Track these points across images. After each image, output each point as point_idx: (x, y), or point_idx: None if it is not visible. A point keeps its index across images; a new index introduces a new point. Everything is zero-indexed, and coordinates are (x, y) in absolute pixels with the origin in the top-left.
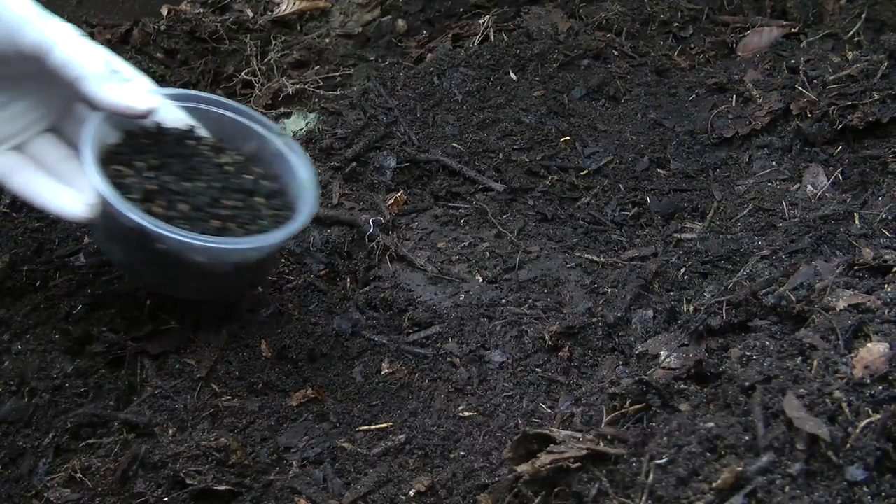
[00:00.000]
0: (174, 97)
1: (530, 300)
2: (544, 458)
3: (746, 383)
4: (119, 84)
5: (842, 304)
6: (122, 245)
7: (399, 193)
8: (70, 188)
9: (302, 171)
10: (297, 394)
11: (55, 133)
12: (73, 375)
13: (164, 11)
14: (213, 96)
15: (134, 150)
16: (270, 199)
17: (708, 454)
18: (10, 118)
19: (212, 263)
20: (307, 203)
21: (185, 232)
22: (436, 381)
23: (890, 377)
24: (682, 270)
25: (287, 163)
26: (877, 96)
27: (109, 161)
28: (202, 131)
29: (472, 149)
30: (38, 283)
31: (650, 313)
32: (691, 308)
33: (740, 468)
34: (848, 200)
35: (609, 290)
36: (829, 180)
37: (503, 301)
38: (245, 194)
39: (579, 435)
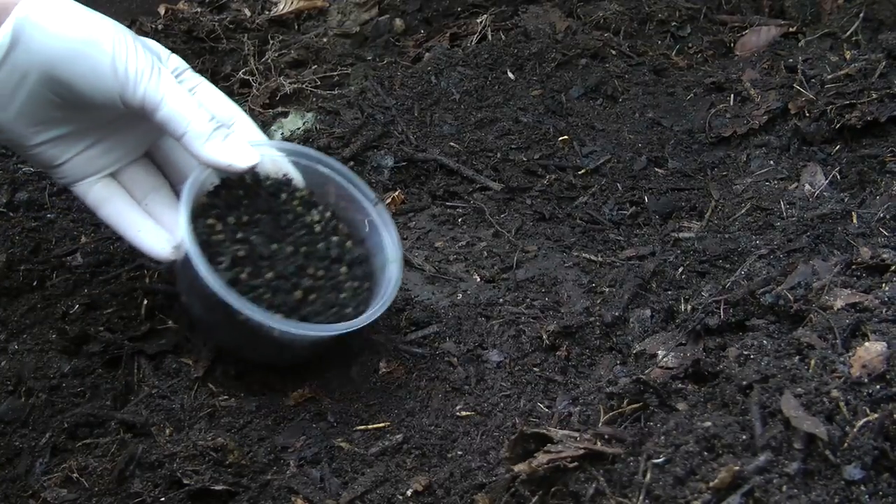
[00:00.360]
0: (285, 150)
1: (528, 299)
2: (541, 458)
3: (744, 382)
4: (221, 143)
5: (839, 303)
6: (202, 302)
7: (396, 193)
8: (158, 226)
9: (390, 247)
10: (294, 393)
11: (148, 157)
12: (70, 375)
13: (162, 11)
14: (313, 152)
15: (228, 202)
16: (353, 267)
17: (705, 453)
18: (106, 151)
19: (291, 340)
20: (391, 284)
21: (268, 315)
22: (433, 380)
23: (888, 376)
24: (680, 270)
25: (376, 232)
26: (875, 95)
27: (203, 213)
28: (296, 178)
29: (469, 148)
30: (35, 283)
31: (648, 312)
32: (689, 307)
33: (737, 467)
34: (846, 199)
35: (607, 290)
36: (826, 179)
37: (501, 300)
38: (329, 261)
39: (576, 434)
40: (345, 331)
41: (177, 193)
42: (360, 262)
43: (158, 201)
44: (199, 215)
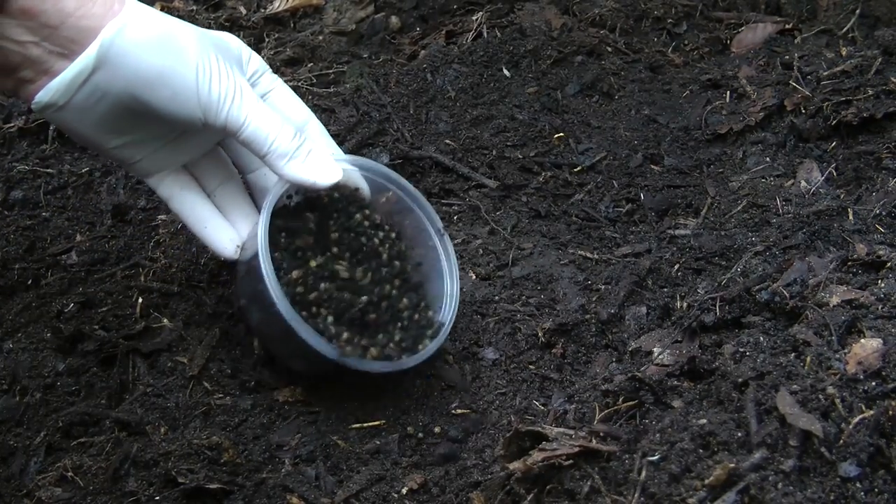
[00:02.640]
0: (359, 166)
1: (523, 297)
2: (536, 456)
3: (739, 380)
4: (304, 161)
5: (835, 300)
6: (262, 314)
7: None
8: (224, 223)
9: (450, 282)
10: (285, 390)
11: (221, 148)
12: (65, 374)
13: (157, 9)
14: (387, 170)
15: (302, 217)
16: (412, 294)
17: (701, 451)
18: (179, 148)
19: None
20: (445, 323)
21: (328, 346)
22: (429, 378)
23: (883, 373)
24: (676, 267)
25: (437, 261)
26: (871, 92)
27: (277, 225)
28: (366, 193)
29: (465, 145)
30: (29, 282)
31: (643, 310)
32: (685, 304)
33: (733, 465)
34: (842, 196)
35: (602, 287)
36: (822, 176)
37: (496, 298)
38: (391, 288)
39: (572, 432)
40: (399, 369)
41: (247, 184)
42: (417, 289)
43: (227, 193)
44: (272, 224)
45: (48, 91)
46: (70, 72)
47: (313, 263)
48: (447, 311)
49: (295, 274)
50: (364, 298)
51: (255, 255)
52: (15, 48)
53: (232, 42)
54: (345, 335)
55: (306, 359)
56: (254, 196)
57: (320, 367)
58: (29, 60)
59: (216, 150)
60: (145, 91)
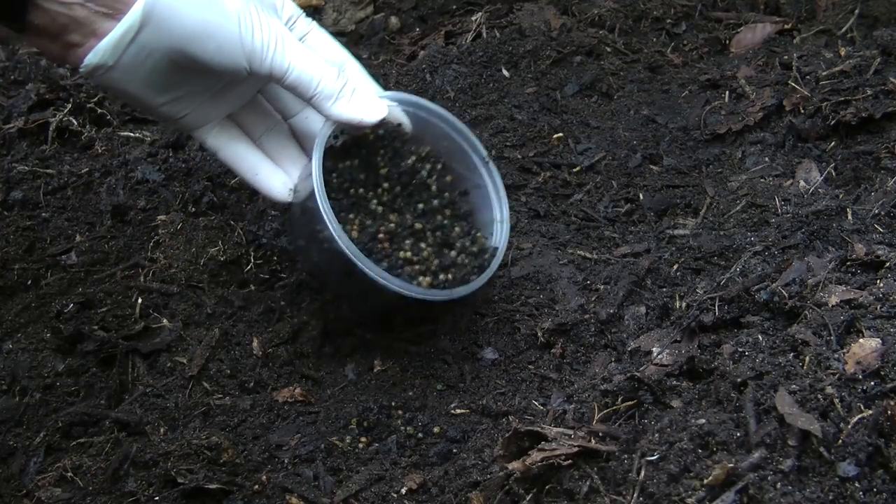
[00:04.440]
0: (399, 101)
1: (523, 297)
2: (535, 456)
3: (738, 379)
4: (349, 100)
5: (834, 300)
6: (321, 254)
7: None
8: (275, 168)
9: (499, 207)
10: (287, 391)
11: (261, 96)
12: (65, 374)
13: None
14: (428, 103)
15: (352, 155)
16: (462, 222)
17: (699, 451)
18: (223, 99)
19: (405, 297)
20: (499, 248)
21: (391, 277)
22: (428, 378)
23: (882, 372)
24: (675, 267)
25: (485, 188)
26: (869, 92)
27: (328, 165)
28: (408, 127)
29: None
30: (29, 282)
31: (643, 310)
32: (684, 304)
33: (732, 464)
34: (840, 196)
35: (601, 287)
36: (821, 176)
37: (495, 298)
38: (443, 218)
39: (571, 432)
40: (458, 296)
41: (290, 128)
42: (467, 217)
43: (274, 139)
44: (323, 166)
45: (97, 53)
46: (117, 31)
47: (368, 203)
48: (499, 237)
49: (350, 215)
50: (420, 232)
51: (310, 196)
52: (61, 10)
53: None
54: (404, 268)
55: (367, 293)
56: (299, 140)
57: (382, 301)
58: (76, 22)
59: (257, 99)
60: (191, 45)
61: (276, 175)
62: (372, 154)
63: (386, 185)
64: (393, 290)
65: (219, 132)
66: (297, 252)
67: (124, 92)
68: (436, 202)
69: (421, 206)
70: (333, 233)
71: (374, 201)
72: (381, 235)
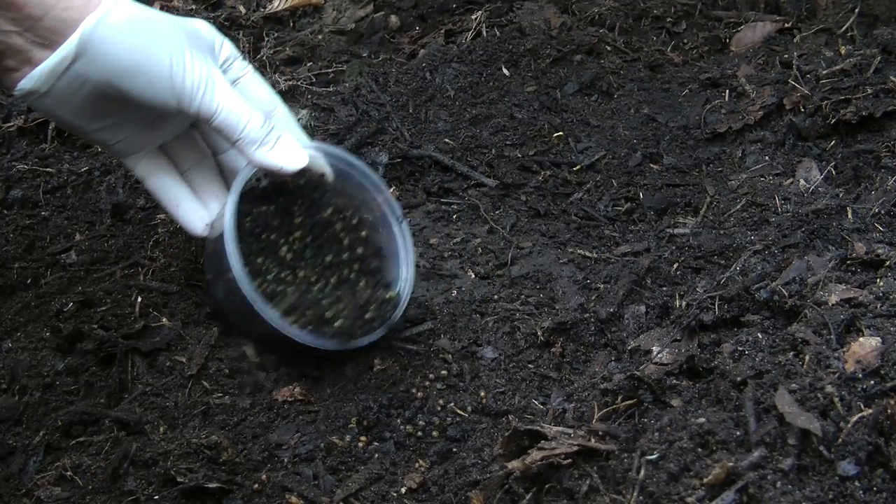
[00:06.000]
0: (324, 152)
1: (522, 296)
2: (535, 455)
3: (738, 378)
4: (273, 147)
5: (834, 299)
6: (226, 290)
7: (391, 189)
8: (196, 202)
9: (406, 267)
10: (287, 390)
11: (195, 130)
12: (64, 373)
13: (157, 8)
14: (350, 156)
15: (268, 200)
16: (370, 277)
17: (699, 450)
18: (155, 130)
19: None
20: (399, 307)
21: (286, 325)
22: (428, 377)
23: (882, 371)
24: (675, 266)
25: (395, 246)
26: (870, 90)
27: (244, 208)
28: (330, 178)
29: (464, 144)
30: (28, 281)
31: (642, 309)
32: (684, 303)
33: (731, 463)
34: (841, 195)
35: (601, 286)
36: (821, 175)
37: (495, 297)
38: (350, 272)
39: (570, 431)
40: (352, 347)
41: (218, 164)
42: (375, 273)
43: (200, 174)
44: (239, 207)
45: (31, 79)
46: (52, 61)
47: (278, 249)
48: (402, 294)
49: (259, 259)
50: (326, 281)
51: (222, 235)
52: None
53: (203, 29)
54: (303, 315)
55: (265, 334)
56: (225, 176)
57: (278, 343)
58: (12, 49)
59: (190, 132)
60: (123, 80)
61: (196, 210)
62: (290, 202)
63: (298, 233)
64: (285, 335)
65: (147, 161)
66: (207, 285)
67: (58, 117)
68: (345, 256)
69: (329, 258)
70: (236, 274)
71: (285, 248)
72: (286, 280)
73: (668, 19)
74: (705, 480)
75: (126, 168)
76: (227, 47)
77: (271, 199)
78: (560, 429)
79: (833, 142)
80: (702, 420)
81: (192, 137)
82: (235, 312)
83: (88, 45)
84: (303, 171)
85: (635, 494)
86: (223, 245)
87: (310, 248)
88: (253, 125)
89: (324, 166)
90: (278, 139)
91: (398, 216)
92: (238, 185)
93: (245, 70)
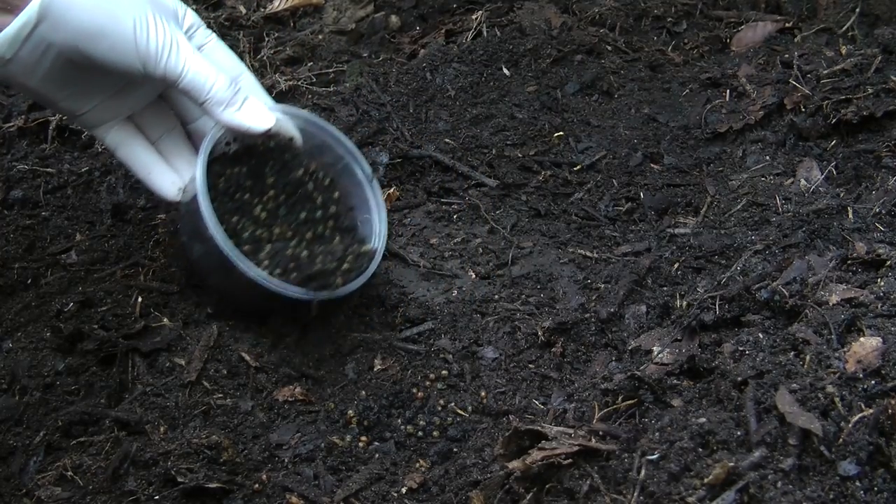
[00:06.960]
0: (292, 114)
1: (523, 296)
2: (535, 455)
3: (739, 378)
4: (239, 107)
5: (835, 299)
6: (202, 248)
7: (391, 189)
8: (167, 168)
9: (378, 221)
10: (287, 390)
11: (163, 99)
12: (65, 373)
13: None
14: (318, 119)
15: (239, 159)
16: (343, 234)
17: (700, 449)
18: (123, 99)
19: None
20: (374, 259)
21: (262, 274)
22: (428, 377)
23: (882, 371)
24: (676, 265)
25: (366, 205)
26: (870, 90)
27: (215, 167)
28: (299, 141)
29: (464, 144)
30: (29, 281)
31: (643, 309)
32: (684, 303)
33: (732, 463)
34: (841, 195)
35: (602, 286)
36: (822, 174)
37: (496, 297)
38: (324, 228)
39: (571, 431)
40: (329, 297)
41: (188, 133)
42: (350, 231)
43: (170, 142)
44: (211, 169)
45: None
46: (14, 26)
47: (252, 208)
48: (377, 245)
49: (234, 218)
50: (300, 235)
51: (195, 197)
52: None
53: None
54: (281, 267)
55: (242, 289)
56: (195, 144)
57: (255, 298)
58: None
59: (158, 102)
60: (86, 43)
61: (167, 175)
62: (261, 164)
63: (272, 192)
64: (270, 289)
65: (117, 131)
66: (183, 248)
67: (24, 86)
68: (319, 213)
69: (304, 214)
70: (212, 231)
71: (259, 207)
72: (261, 237)
73: (669, 19)
74: (706, 480)
75: (97, 139)
76: (189, 15)
77: (243, 161)
78: (560, 429)
79: (834, 141)
80: (702, 420)
81: (161, 107)
82: (213, 272)
83: (50, 9)
84: (271, 135)
85: (636, 494)
86: (197, 205)
87: (283, 206)
88: (219, 86)
89: (292, 130)
90: (245, 100)
91: (368, 175)
92: (207, 145)
93: (209, 38)
